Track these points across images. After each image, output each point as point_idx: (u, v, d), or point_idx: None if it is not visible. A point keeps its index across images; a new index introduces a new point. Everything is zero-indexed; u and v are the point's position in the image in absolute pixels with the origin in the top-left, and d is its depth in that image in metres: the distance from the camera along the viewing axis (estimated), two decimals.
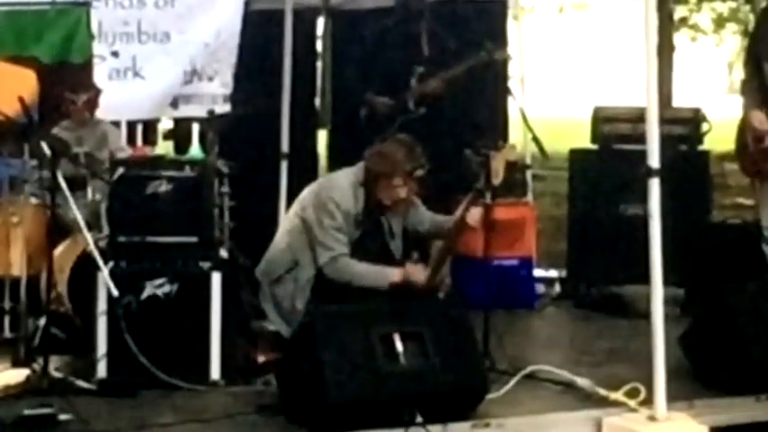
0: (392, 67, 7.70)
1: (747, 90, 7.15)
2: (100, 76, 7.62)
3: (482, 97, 8.59)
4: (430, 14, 7.82)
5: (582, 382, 5.67)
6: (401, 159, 6.02)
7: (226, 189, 6.12)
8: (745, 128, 7.07)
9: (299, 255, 6.05)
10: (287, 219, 6.33)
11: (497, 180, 6.05)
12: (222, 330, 5.76)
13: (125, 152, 6.82)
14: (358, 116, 7.65)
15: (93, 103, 7.25)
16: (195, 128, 6.45)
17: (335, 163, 8.61)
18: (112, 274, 5.59)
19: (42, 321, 5.75)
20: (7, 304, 6.06)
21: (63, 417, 5.02)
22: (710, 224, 8.13)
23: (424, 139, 6.46)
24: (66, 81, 7.33)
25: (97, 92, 7.29)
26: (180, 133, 8.23)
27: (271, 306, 6.12)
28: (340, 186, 6.08)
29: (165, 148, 8.55)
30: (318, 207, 6.02)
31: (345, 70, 8.31)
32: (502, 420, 5.22)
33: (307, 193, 6.23)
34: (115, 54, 7.66)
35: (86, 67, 7.58)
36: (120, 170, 5.91)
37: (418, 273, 6.01)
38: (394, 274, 5.98)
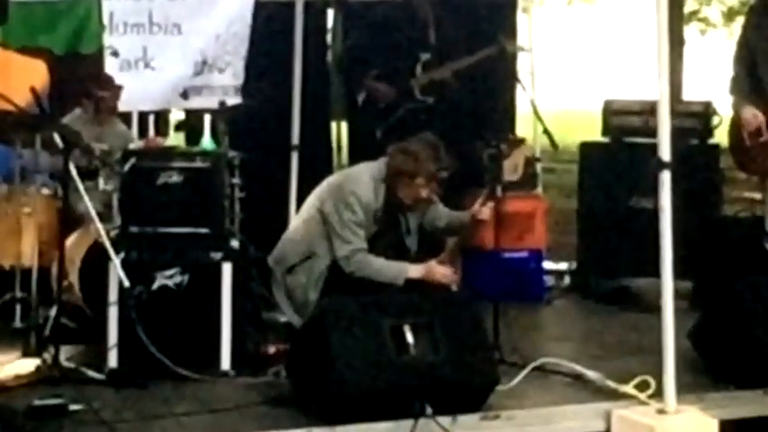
0: (398, 54, 7.69)
1: (738, 86, 7.15)
2: (111, 67, 7.62)
3: (491, 89, 8.59)
4: (439, 5, 7.82)
5: (591, 374, 5.67)
6: (425, 159, 5.95)
7: (237, 180, 6.13)
8: (738, 125, 7.09)
9: (315, 246, 6.03)
10: (304, 209, 6.27)
11: (517, 175, 6.05)
12: (233, 321, 5.78)
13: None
14: (367, 106, 7.65)
15: (116, 100, 7.28)
16: (207, 119, 6.44)
17: (354, 155, 8.60)
18: (124, 264, 5.62)
19: (53, 311, 5.80)
20: (18, 294, 6.05)
21: (73, 406, 5.05)
22: (720, 218, 8.11)
23: (428, 128, 6.46)
24: (82, 73, 7.34)
25: (119, 88, 7.30)
26: (192, 124, 8.23)
27: (283, 296, 6.11)
28: (362, 181, 6.02)
29: (177, 139, 8.56)
30: (339, 200, 5.98)
31: (356, 61, 8.30)
32: (511, 412, 5.23)
33: (326, 185, 6.19)
34: (115, 54, 7.64)
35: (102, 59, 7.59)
36: (132, 161, 5.93)
37: (449, 276, 5.93)
38: (412, 271, 5.92)
